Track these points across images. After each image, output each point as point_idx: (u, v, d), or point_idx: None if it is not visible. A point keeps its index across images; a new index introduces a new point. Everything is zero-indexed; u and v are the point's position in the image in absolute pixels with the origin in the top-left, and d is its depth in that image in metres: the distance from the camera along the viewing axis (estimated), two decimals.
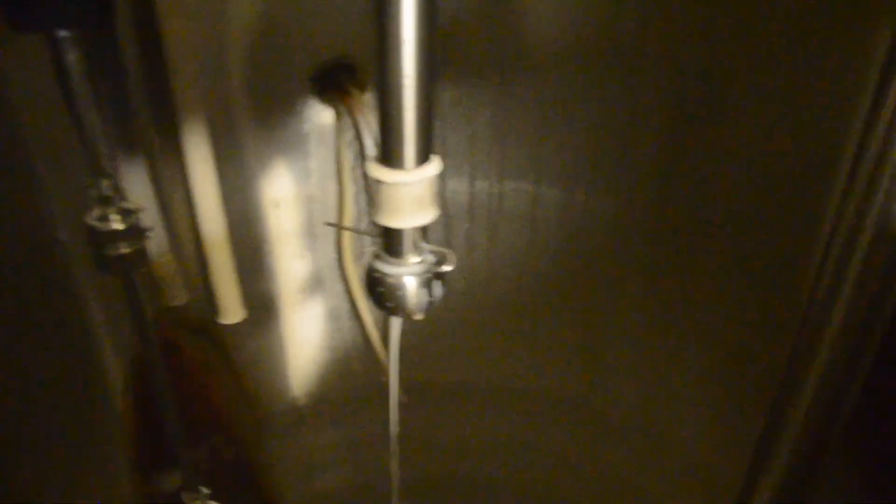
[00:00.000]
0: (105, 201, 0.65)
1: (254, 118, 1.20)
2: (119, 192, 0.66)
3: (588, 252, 1.36)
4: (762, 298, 1.22)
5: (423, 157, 0.63)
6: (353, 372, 1.52)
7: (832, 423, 1.02)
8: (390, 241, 0.67)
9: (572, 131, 1.26)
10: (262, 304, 1.35)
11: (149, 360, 0.77)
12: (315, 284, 1.38)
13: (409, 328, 1.42)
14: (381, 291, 0.69)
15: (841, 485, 1.06)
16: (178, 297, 1.24)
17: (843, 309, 0.92)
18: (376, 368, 1.48)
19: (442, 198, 1.34)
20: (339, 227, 1.21)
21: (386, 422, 1.60)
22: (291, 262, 1.33)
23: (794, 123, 1.08)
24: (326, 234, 1.33)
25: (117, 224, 0.65)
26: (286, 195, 1.27)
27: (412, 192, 0.63)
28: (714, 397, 1.36)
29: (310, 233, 1.31)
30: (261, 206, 1.26)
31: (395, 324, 0.82)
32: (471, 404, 1.63)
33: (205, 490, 0.84)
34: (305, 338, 1.44)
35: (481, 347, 1.53)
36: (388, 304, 0.69)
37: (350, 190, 1.25)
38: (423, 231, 0.69)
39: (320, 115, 1.22)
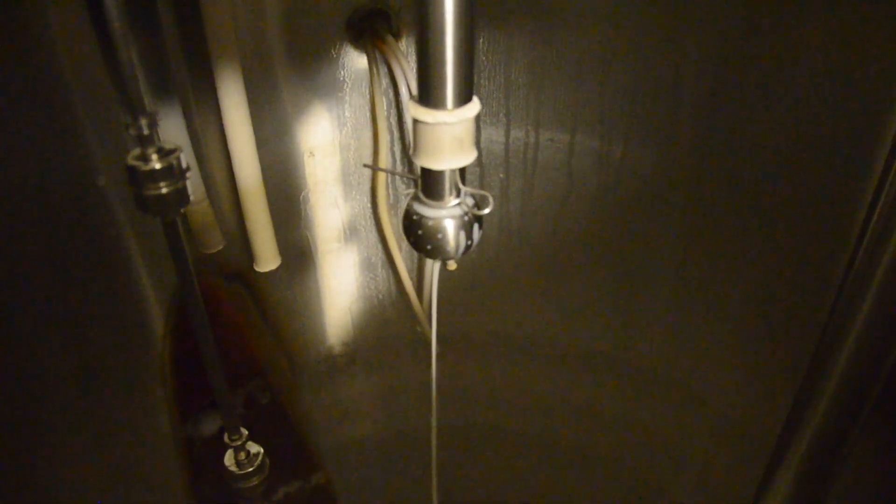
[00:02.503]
0: (144, 140, 0.64)
1: (289, 65, 1.19)
2: (157, 131, 0.65)
3: (624, 204, 1.35)
4: (803, 254, 1.19)
5: (463, 98, 0.62)
6: (387, 321, 1.54)
7: (871, 381, 1.00)
8: (429, 184, 0.67)
9: (610, 81, 1.24)
10: (297, 253, 1.36)
11: (190, 302, 0.77)
12: (350, 233, 1.38)
13: (443, 279, 1.43)
14: (419, 234, 0.68)
15: (878, 444, 1.05)
16: (215, 244, 1.25)
17: (886, 267, 0.91)
18: (410, 318, 1.49)
19: (477, 147, 1.33)
20: (376, 169, 1.21)
21: (419, 370, 1.61)
22: (326, 210, 1.33)
23: (840, 75, 1.04)
24: (361, 183, 1.33)
25: (156, 163, 0.65)
26: (321, 143, 1.26)
27: (452, 133, 0.62)
28: (750, 353, 1.35)
29: (345, 181, 1.31)
30: (296, 154, 1.26)
31: (435, 268, 0.82)
32: (503, 355, 1.63)
33: (244, 431, 0.86)
34: (340, 286, 1.45)
35: (515, 299, 1.53)
36: (427, 248, 0.69)
37: (385, 138, 1.24)
38: (462, 173, 0.68)
39: (355, 62, 1.21)
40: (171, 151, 0.67)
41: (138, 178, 0.66)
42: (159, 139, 0.67)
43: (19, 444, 1.03)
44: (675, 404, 1.52)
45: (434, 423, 1.10)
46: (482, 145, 1.32)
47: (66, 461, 1.12)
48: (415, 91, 0.63)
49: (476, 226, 0.69)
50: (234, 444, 0.86)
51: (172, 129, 1.11)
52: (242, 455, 0.87)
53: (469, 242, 0.69)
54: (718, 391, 1.44)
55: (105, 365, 1.18)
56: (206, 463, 1.43)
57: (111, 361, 1.19)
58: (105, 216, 1.13)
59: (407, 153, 1.29)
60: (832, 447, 1.09)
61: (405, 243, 1.41)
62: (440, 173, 0.66)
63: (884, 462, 1.07)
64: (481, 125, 1.31)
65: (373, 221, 1.37)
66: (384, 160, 1.26)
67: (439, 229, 0.67)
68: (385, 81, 1.21)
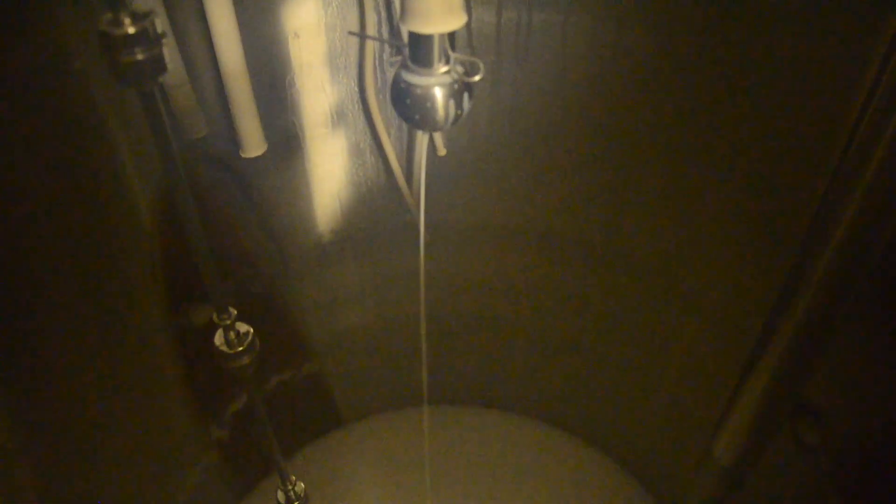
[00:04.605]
0: (115, 4, 0.61)
1: None
2: None
3: (618, 90, 1.31)
4: (796, 145, 1.17)
5: None
6: (376, 208, 1.52)
7: (855, 273, 1.01)
8: (418, 50, 0.64)
9: None
10: (283, 139, 1.33)
11: (174, 182, 0.75)
12: (337, 118, 1.35)
13: (433, 166, 1.41)
14: (407, 103, 0.66)
15: (862, 334, 1.06)
16: (198, 129, 1.22)
17: (878, 159, 0.89)
18: (399, 205, 1.48)
19: (468, 29, 1.28)
20: (362, 36, 1.17)
21: (409, 258, 1.62)
22: (313, 94, 1.29)
23: None
24: (348, 66, 1.29)
25: (130, 28, 0.61)
26: (306, 24, 1.21)
27: None
28: (738, 244, 1.35)
29: (331, 64, 1.27)
30: (280, 36, 1.22)
31: (423, 149, 0.80)
32: (493, 244, 1.63)
33: (233, 311, 0.86)
34: (328, 173, 1.43)
35: (505, 187, 1.52)
36: (415, 117, 0.66)
37: (372, 18, 1.20)
38: (452, 42, 0.65)
39: None
40: (145, 16, 0.63)
41: (112, 44, 0.63)
42: (131, 3, 0.63)
43: (22, 349, 1.04)
44: (663, 295, 1.54)
45: (423, 310, 1.11)
46: (472, 26, 1.28)
47: (65, 357, 1.13)
48: None
49: (466, 94, 0.66)
50: (223, 323, 0.86)
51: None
52: (232, 335, 0.87)
53: (459, 112, 0.66)
54: (705, 282, 1.45)
55: (96, 260, 1.17)
56: (199, 352, 1.45)
57: (102, 257, 1.18)
58: (85, 103, 1.09)
59: (394, 34, 1.25)
60: (815, 335, 1.10)
61: (394, 128, 1.39)
62: (429, 38, 0.63)
63: (865, 352, 1.08)
64: (471, 6, 1.26)
65: (361, 106, 1.34)
66: (371, 42, 1.22)
67: (428, 97, 0.65)
68: None
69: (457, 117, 0.66)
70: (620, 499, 1.86)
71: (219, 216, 1.37)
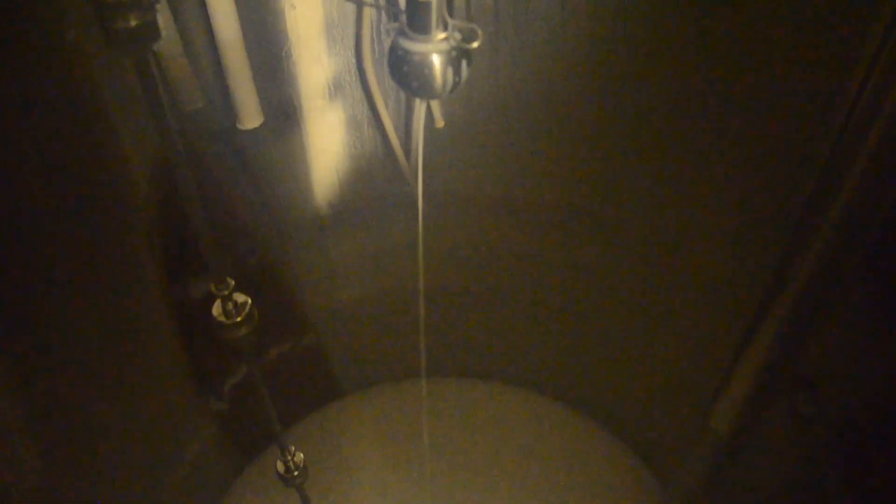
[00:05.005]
0: None
1: None
2: None
3: (617, 61, 1.30)
4: (796, 115, 1.17)
5: None
6: (374, 180, 1.52)
7: (852, 249, 1.01)
8: (415, 15, 0.63)
9: None
10: (280, 111, 1.32)
11: (171, 152, 0.75)
12: (335, 90, 1.34)
13: (431, 137, 1.40)
14: (405, 70, 0.65)
15: (860, 310, 1.06)
16: (195, 101, 1.21)
17: (879, 131, 0.89)
18: (397, 177, 1.47)
19: None
20: (360, 3, 1.15)
21: (407, 231, 1.61)
22: (310, 66, 1.28)
23: None
24: (345, 38, 1.27)
25: None
26: None
27: None
28: (736, 216, 1.35)
29: (328, 35, 1.26)
30: (277, 6, 1.20)
31: (420, 121, 0.79)
32: (490, 215, 1.63)
33: (231, 281, 0.85)
34: (326, 145, 1.43)
35: (503, 158, 1.51)
36: (413, 85, 0.65)
37: None
38: (450, 5, 0.64)
39: None
40: None
41: (104, 11, 0.62)
42: None
43: (24, 326, 1.04)
44: (661, 266, 1.54)
45: (421, 282, 1.10)
46: None
47: (65, 332, 1.14)
48: None
49: (464, 62, 0.66)
50: (220, 293, 0.86)
51: None
52: (230, 305, 0.87)
53: (457, 79, 0.66)
54: (704, 254, 1.45)
55: (94, 234, 1.17)
56: (198, 326, 1.45)
57: (101, 231, 1.18)
58: (81, 75, 1.08)
59: (391, 1, 1.23)
60: (812, 308, 1.11)
61: (392, 100, 1.38)
62: (427, 4, 0.62)
63: (861, 325, 1.09)
64: None
65: (358, 77, 1.33)
66: (368, 11, 1.20)
67: (426, 64, 0.64)
68: None
69: (455, 85, 0.66)
70: (617, 469, 1.87)
71: (216, 188, 1.37)
